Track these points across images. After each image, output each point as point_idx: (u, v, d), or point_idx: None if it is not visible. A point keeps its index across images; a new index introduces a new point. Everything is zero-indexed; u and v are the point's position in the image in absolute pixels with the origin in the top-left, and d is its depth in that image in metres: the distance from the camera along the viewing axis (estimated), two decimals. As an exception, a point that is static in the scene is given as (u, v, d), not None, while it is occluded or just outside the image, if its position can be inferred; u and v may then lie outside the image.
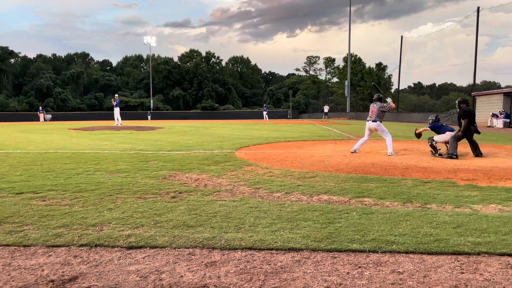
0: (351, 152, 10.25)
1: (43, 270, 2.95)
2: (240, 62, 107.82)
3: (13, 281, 2.78)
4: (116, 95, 31.98)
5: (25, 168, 7.71)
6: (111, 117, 34.23)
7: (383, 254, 3.21)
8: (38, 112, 51.95)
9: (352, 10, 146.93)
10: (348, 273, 2.87)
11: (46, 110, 56.09)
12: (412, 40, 45.31)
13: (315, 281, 2.74)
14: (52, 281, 2.77)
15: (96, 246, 3.42)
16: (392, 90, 62.27)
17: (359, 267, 2.97)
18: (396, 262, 3.06)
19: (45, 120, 50.21)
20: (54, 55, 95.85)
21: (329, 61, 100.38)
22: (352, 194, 5.31)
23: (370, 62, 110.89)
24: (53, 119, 55.35)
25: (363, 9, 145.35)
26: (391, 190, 5.54)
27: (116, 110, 28.37)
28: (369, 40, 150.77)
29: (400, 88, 46.67)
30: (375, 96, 10.59)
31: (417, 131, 11.00)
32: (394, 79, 62.57)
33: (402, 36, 43.47)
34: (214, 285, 2.68)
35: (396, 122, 35.39)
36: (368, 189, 5.65)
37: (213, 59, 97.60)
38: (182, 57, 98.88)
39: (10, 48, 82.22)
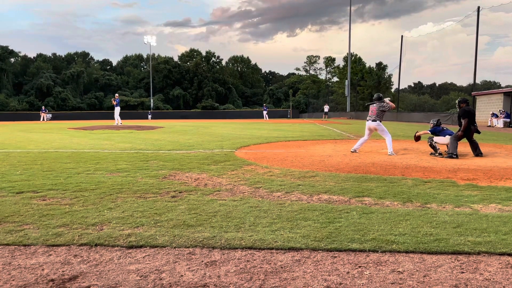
0: (351, 151, 10.26)
1: (43, 270, 2.95)
2: (240, 61, 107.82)
3: (13, 280, 2.78)
4: (116, 94, 31.84)
5: (25, 167, 7.71)
6: (111, 117, 34.16)
7: (383, 254, 3.21)
8: (40, 112, 51.94)
9: (353, 9, 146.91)
10: (348, 272, 2.87)
11: (41, 110, 56.05)
12: (412, 40, 45.37)
13: (315, 280, 2.74)
14: (52, 280, 2.77)
15: (96, 245, 3.42)
16: (393, 90, 62.23)
17: (359, 266, 2.97)
18: (396, 261, 3.06)
19: (45, 119, 50.09)
20: (54, 54, 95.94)
21: (329, 61, 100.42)
22: (352, 194, 5.31)
23: (370, 62, 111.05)
24: (53, 118, 55.32)
25: (363, 9, 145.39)
26: (391, 190, 5.54)
27: (116, 110, 28.27)
28: (369, 39, 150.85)
29: (400, 88, 46.68)
30: (375, 95, 10.59)
31: (416, 134, 10.96)
32: (394, 79, 62.48)
33: (402, 36, 43.47)
34: (214, 285, 2.68)
35: (396, 121, 35.39)
36: (368, 188, 5.65)
37: (213, 59, 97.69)
38: (182, 57, 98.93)
39: (10, 48, 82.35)
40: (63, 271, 2.91)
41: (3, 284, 2.72)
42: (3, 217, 4.24)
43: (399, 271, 2.88)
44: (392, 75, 66.97)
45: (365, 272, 2.87)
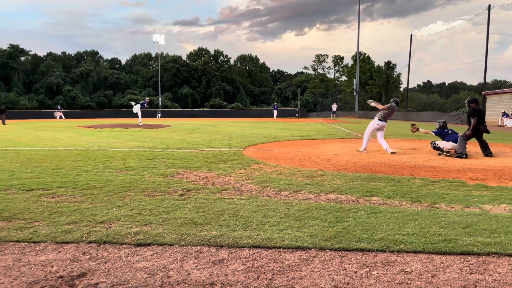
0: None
1: (52, 266, 2.98)
2: (249, 60, 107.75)
3: (23, 276, 2.82)
4: (147, 98, 31.42)
5: (35, 165, 7.79)
6: (120, 115, 34.19)
7: (391, 254, 3.19)
8: (56, 111, 52.59)
9: (361, 8, 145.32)
10: (355, 272, 2.86)
11: (56, 108, 56.54)
12: (421, 39, 44.80)
13: (323, 280, 2.73)
14: (61, 277, 2.80)
15: (104, 243, 3.45)
16: (401, 89, 61.79)
17: (367, 266, 2.96)
18: (404, 261, 3.04)
19: (60, 118, 50.59)
20: (64, 53, 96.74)
21: (338, 60, 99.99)
22: (360, 193, 5.29)
23: (379, 61, 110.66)
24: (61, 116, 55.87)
25: (372, 7, 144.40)
26: (400, 190, 5.51)
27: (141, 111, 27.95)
28: (378, 38, 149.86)
29: (410, 87, 46.29)
30: (396, 100, 10.51)
31: (418, 130, 10.71)
32: (403, 78, 62.05)
33: (411, 35, 43.09)
34: (222, 283, 2.69)
35: (405, 121, 35.15)
36: (376, 188, 5.62)
37: (221, 57, 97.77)
38: (191, 55, 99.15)
39: (21, 46, 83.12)
40: (72, 268, 2.94)
41: (13, 280, 2.76)
42: (13, 214, 4.29)
43: (407, 271, 2.86)
44: (401, 74, 66.46)
45: (373, 272, 2.85)
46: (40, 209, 4.47)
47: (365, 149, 10.31)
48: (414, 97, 55.95)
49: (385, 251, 3.23)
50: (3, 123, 30.61)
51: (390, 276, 2.79)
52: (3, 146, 12.01)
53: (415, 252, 3.21)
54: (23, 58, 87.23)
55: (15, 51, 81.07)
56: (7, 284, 2.70)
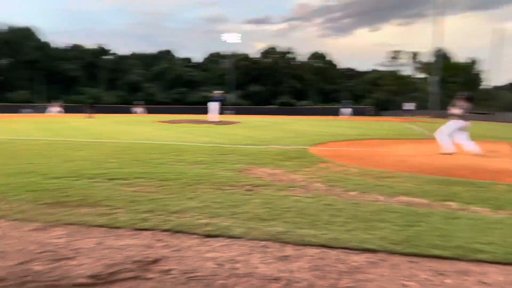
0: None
1: (130, 251, 3.20)
2: (320, 57, 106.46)
3: (104, 259, 3.06)
4: (222, 91, 30.05)
5: (117, 156, 8.38)
6: (194, 111, 35.13)
7: (468, 263, 3.00)
8: (136, 106, 56.27)
9: (442, 0, 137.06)
10: (427, 279, 2.72)
11: (137, 104, 60.13)
12: (511, 33, 41.10)
13: (392, 284, 2.64)
14: (137, 261, 3.00)
15: (177, 232, 3.64)
16: (486, 87, 57.22)
17: (440, 274, 2.81)
18: (482, 272, 2.84)
19: (137, 113, 54.05)
20: (143, 52, 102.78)
21: (414, 56, 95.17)
22: (435, 197, 5.01)
23: (460, 57, 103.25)
24: (142, 112, 59.43)
25: (454, 0, 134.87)
26: (480, 195, 5.13)
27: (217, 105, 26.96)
28: (460, 33, 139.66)
29: (496, 85, 42.72)
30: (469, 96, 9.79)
31: None
32: (488, 75, 57.34)
33: (498, 29, 39.68)
34: (287, 279, 2.71)
35: (487, 122, 32.56)
36: (453, 192, 5.29)
37: (292, 55, 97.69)
38: (261, 53, 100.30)
39: (106, 46, 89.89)
40: (147, 254, 3.14)
41: (95, 261, 3.01)
42: (97, 200, 4.67)
43: (485, 283, 2.67)
44: (485, 71, 61.56)
45: (446, 281, 2.70)
46: (120, 197, 4.81)
47: (454, 151, 9.56)
48: (500, 96, 51.51)
49: (461, 260, 3.04)
50: (92, 117, 33.37)
51: (466, 286, 2.62)
52: (91, 138, 13.09)
53: (495, 263, 2.99)
54: (107, 57, 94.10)
55: (101, 50, 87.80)
56: (89, 264, 2.96)
